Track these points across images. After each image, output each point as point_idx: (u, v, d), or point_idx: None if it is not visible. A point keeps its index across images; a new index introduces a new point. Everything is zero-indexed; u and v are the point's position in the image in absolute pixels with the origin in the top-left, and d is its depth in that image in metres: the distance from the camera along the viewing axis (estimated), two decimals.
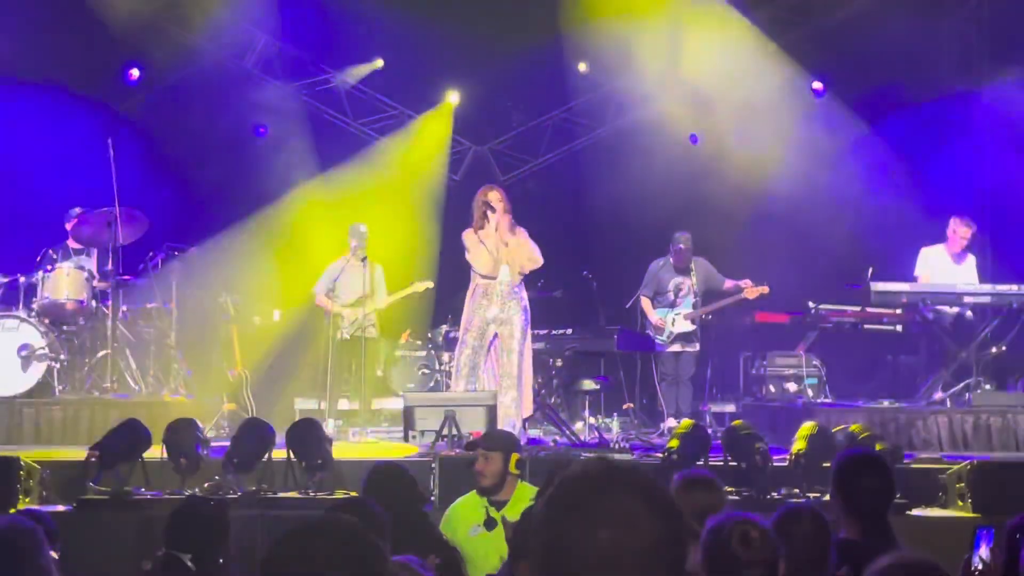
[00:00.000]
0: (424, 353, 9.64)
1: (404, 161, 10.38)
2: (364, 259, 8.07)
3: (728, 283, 8.33)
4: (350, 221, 8.51)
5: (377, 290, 8.41)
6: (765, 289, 8.16)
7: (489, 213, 6.66)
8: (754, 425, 6.13)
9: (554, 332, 7.93)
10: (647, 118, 10.24)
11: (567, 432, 7.21)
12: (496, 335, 6.70)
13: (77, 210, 8.05)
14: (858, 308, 8.40)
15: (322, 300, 8.38)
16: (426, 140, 10.51)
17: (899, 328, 8.30)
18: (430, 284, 8.55)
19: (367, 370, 8.14)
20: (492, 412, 6.28)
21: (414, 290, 8.49)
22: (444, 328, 9.54)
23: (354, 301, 8.30)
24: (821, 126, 9.57)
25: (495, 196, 6.75)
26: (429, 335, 9.85)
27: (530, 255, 6.74)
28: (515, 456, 4.49)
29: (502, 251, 6.67)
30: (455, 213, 9.79)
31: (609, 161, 10.29)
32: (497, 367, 6.70)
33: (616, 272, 9.41)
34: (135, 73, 9.45)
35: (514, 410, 6.63)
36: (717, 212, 9.63)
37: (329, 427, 7.67)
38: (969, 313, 7.79)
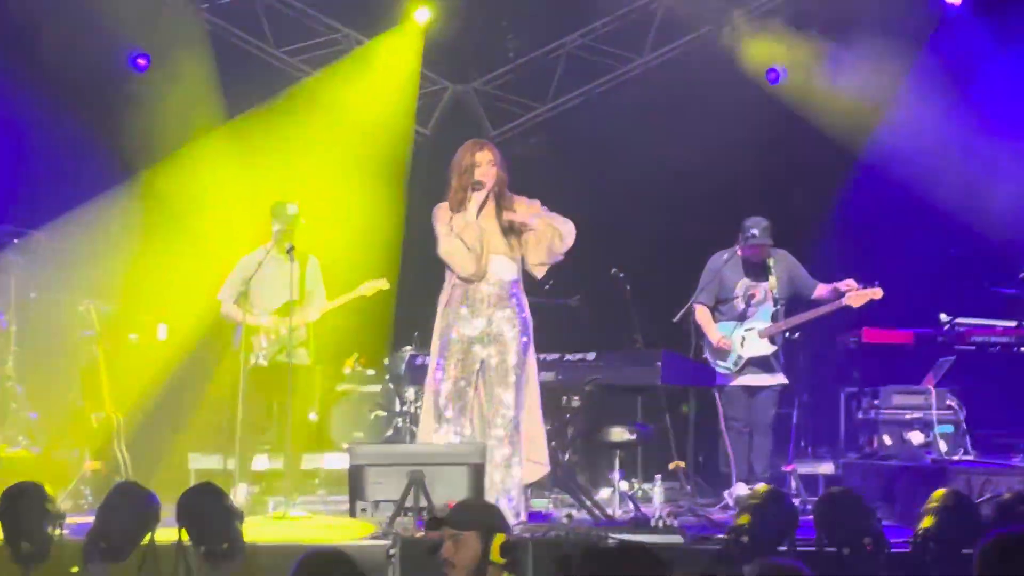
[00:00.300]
0: (379, 387, 9.67)
1: (349, 108, 10.40)
2: (291, 250, 8.01)
3: (822, 287, 8.33)
4: (270, 194, 8.51)
5: (312, 294, 8.35)
6: (877, 292, 8.14)
7: (473, 186, 6.60)
8: (861, 493, 6.12)
9: (569, 357, 7.87)
10: (702, 47, 10.23)
11: (588, 503, 7.15)
12: (483, 361, 6.67)
13: None
14: (1012, 324, 8.38)
15: (230, 309, 8.33)
16: (382, 77, 10.53)
17: None
18: (385, 284, 8.49)
19: (296, 413, 8.10)
20: (479, 474, 6.24)
21: (363, 293, 8.43)
22: (408, 351, 9.49)
23: (278, 310, 8.26)
24: (955, 54, 9.61)
25: (484, 157, 6.66)
26: (386, 361, 9.86)
27: (557, 230, 6.66)
28: (499, 538, 4.42)
29: (491, 239, 6.61)
30: (425, 182, 9.88)
31: (646, 109, 10.32)
32: (486, 408, 6.67)
33: (659, 270, 9.41)
34: None
35: (510, 471, 6.61)
36: (803, 183, 9.66)
37: (240, 496, 7.63)
38: None
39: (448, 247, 6.60)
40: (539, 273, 6.82)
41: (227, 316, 8.37)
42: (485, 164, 6.62)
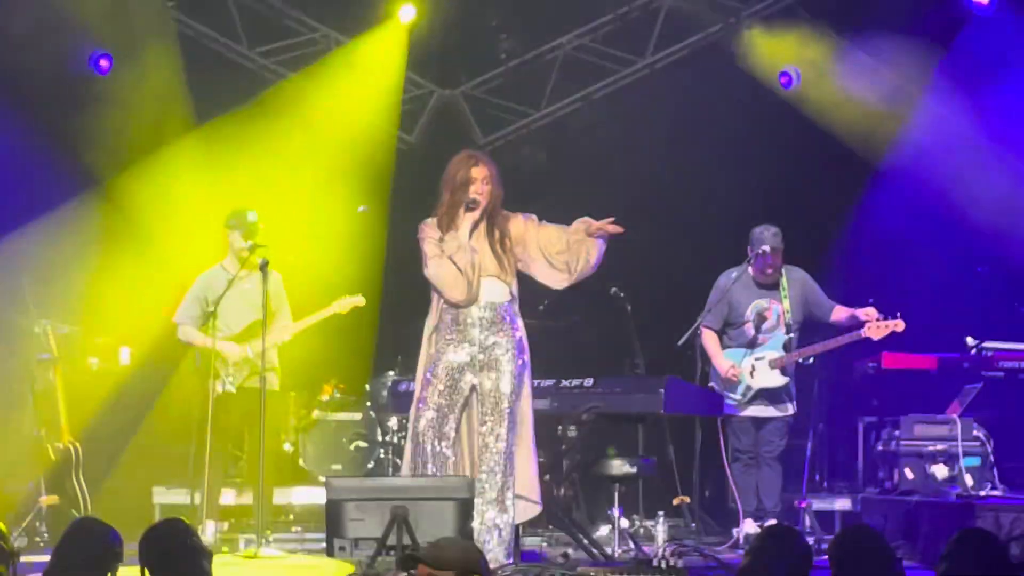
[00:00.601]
0: (359, 416, 9.68)
1: (328, 113, 10.44)
2: (265, 265, 7.98)
3: (840, 311, 8.37)
4: (243, 205, 8.51)
5: (278, 313, 8.37)
6: (899, 325, 8.17)
7: (468, 204, 6.60)
8: (881, 531, 6.14)
9: (565, 384, 7.88)
10: (710, 48, 10.34)
11: (585, 542, 7.19)
12: (474, 389, 6.72)
13: None
14: None
15: (188, 333, 8.37)
16: (363, 80, 10.55)
17: None
18: (361, 301, 8.52)
19: (268, 443, 8.11)
20: (467, 509, 6.25)
21: (337, 311, 8.48)
22: (391, 376, 9.56)
23: (241, 332, 8.30)
24: (983, 56, 9.67)
25: (480, 173, 6.65)
26: (368, 387, 9.90)
27: (557, 240, 6.71)
28: None
29: (482, 261, 6.63)
30: (408, 194, 9.91)
31: (649, 116, 10.40)
32: (476, 439, 6.72)
33: (662, 290, 9.44)
34: None
35: (501, 507, 6.63)
36: (818, 195, 9.69)
37: (208, 533, 7.68)
38: None
39: (437, 270, 6.59)
40: (556, 285, 6.82)
41: (189, 341, 8.38)
42: (480, 181, 6.61)
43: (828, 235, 9.73)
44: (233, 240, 8.31)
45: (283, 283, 8.37)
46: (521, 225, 6.71)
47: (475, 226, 6.65)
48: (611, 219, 6.67)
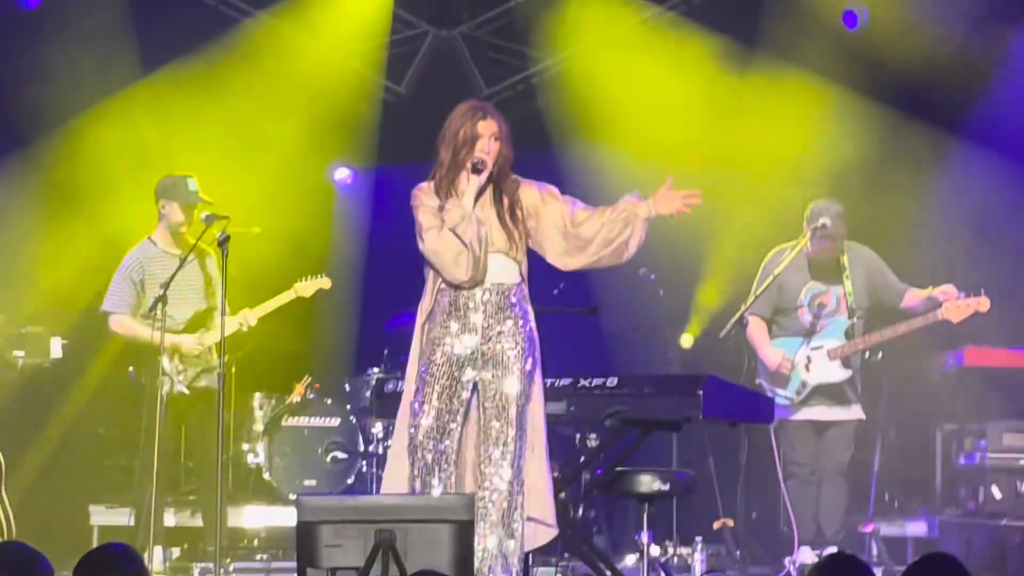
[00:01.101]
0: (336, 421, 9.67)
1: (299, 58, 10.46)
2: (226, 240, 7.98)
3: (913, 295, 8.34)
4: (198, 169, 8.55)
5: (216, 293, 8.40)
6: (983, 303, 8.16)
7: (474, 165, 6.53)
8: (964, 560, 6.08)
9: (584, 383, 7.84)
10: None
11: (607, 574, 7.16)
12: (475, 387, 6.66)
13: None
14: None
15: (126, 324, 8.39)
16: (342, 19, 10.54)
17: None
18: (325, 282, 8.62)
19: (227, 453, 8.10)
20: (466, 534, 6.17)
21: (301, 294, 8.58)
22: (376, 374, 9.54)
23: (191, 321, 8.35)
24: None
25: (488, 128, 6.56)
26: (346, 386, 9.87)
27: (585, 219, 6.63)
28: None
29: (489, 234, 6.58)
30: (397, 153, 9.86)
31: (684, 63, 10.28)
32: (478, 449, 6.66)
33: (700, 271, 9.39)
34: None
35: (509, 530, 6.59)
36: (888, 162, 9.63)
37: (156, 560, 7.68)
38: None
39: (436, 244, 6.52)
40: (567, 267, 6.75)
41: (130, 335, 8.38)
42: (488, 138, 6.54)
43: (899, 210, 9.63)
44: (168, 212, 8.39)
45: (244, 262, 8.32)
46: (536, 195, 6.65)
47: (480, 192, 6.58)
48: (694, 192, 6.60)
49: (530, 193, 6.66)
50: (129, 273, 8.40)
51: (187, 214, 8.34)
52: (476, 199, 6.57)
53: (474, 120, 6.57)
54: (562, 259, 6.70)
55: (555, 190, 6.71)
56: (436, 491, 6.52)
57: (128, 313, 8.34)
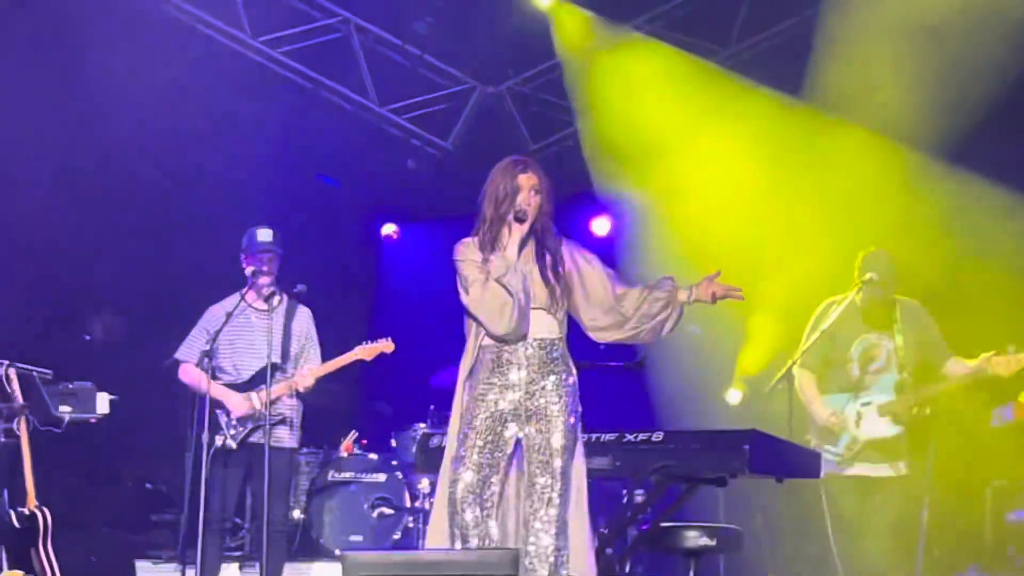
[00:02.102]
0: (383, 477, 9.67)
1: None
2: (302, 292, 8.11)
3: (955, 363, 8.26)
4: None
5: (304, 354, 8.48)
6: None
7: (516, 216, 6.55)
8: None
9: (630, 438, 7.82)
10: (804, 33, 10.20)
11: None
12: (519, 443, 6.66)
13: None
14: None
15: (190, 373, 8.48)
16: None
17: None
18: (390, 346, 8.61)
19: (275, 509, 8.11)
20: None
21: (361, 357, 8.55)
22: (422, 429, 9.54)
23: (255, 377, 8.38)
24: None
25: (528, 181, 6.57)
26: (393, 443, 9.88)
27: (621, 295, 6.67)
28: None
29: (533, 288, 6.59)
30: (444, 208, 9.90)
31: (731, 111, 10.35)
32: (520, 505, 6.65)
33: (745, 322, 9.36)
34: None
35: None
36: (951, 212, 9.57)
37: None
38: None
39: (482, 295, 6.49)
40: (600, 339, 6.77)
41: (190, 383, 8.50)
42: (529, 190, 6.56)
43: (956, 266, 9.51)
44: (247, 265, 8.49)
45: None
46: (580, 260, 6.65)
47: (523, 244, 6.59)
48: (736, 288, 6.64)
49: (574, 256, 6.65)
50: (205, 324, 8.49)
51: (255, 265, 8.42)
52: (519, 252, 6.58)
53: (515, 173, 6.58)
54: (598, 332, 6.69)
55: (597, 259, 6.69)
56: (481, 543, 6.46)
57: (196, 360, 8.40)
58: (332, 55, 10.83)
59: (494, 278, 6.50)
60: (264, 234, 8.47)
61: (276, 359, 8.16)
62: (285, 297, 8.33)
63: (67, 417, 8.84)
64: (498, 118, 11.02)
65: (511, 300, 6.48)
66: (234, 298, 8.48)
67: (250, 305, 8.42)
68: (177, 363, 8.57)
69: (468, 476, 6.53)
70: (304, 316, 8.57)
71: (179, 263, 10.18)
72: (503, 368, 6.58)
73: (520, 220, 6.53)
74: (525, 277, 6.53)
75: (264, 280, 8.40)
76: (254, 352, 8.43)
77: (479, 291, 6.52)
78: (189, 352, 8.51)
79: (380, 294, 10.10)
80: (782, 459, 7.75)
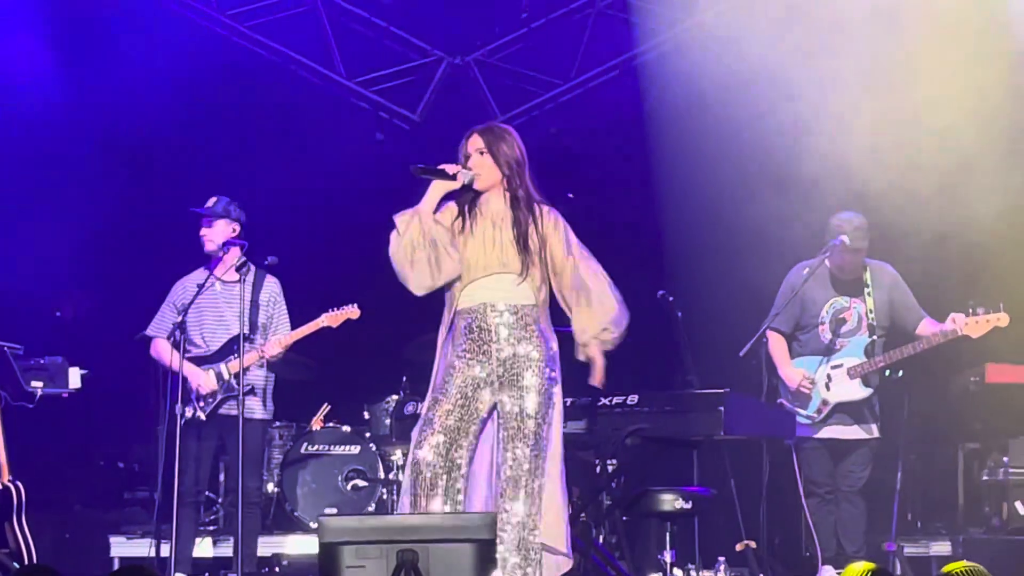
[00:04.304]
0: (356, 449, 9.70)
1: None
2: (270, 264, 8.14)
3: (929, 324, 8.30)
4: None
5: (272, 324, 8.53)
6: (1002, 319, 8.15)
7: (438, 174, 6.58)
8: None
9: (604, 402, 7.87)
10: None
11: None
12: (495, 408, 6.69)
13: None
14: None
15: (158, 348, 8.51)
16: None
17: None
18: (354, 312, 8.63)
19: (249, 482, 8.12)
20: (488, 553, 6.17)
21: (328, 323, 8.58)
22: (394, 400, 9.55)
23: (223, 348, 8.44)
24: None
25: (473, 145, 6.61)
26: (366, 413, 9.90)
27: (601, 317, 6.71)
28: None
29: (504, 253, 6.60)
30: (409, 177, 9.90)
31: (700, 83, 10.29)
32: (497, 471, 6.68)
33: (720, 290, 9.41)
34: None
35: (525, 553, 6.54)
36: (914, 169, 9.60)
37: None
38: None
39: (392, 252, 6.53)
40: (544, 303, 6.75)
41: (158, 359, 8.53)
42: (474, 152, 6.61)
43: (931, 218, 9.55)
44: (206, 235, 8.52)
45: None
46: (553, 236, 6.65)
47: (469, 210, 6.63)
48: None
49: (557, 234, 6.66)
50: (172, 298, 8.54)
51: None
52: (470, 214, 6.62)
53: (464, 141, 6.67)
54: (541, 297, 6.67)
55: (577, 255, 6.68)
56: (436, 509, 6.51)
57: (164, 337, 8.45)
58: (299, 29, 10.81)
59: (399, 228, 6.52)
60: (210, 201, 8.52)
61: (244, 330, 8.17)
62: (253, 268, 8.35)
63: (39, 392, 8.85)
64: (466, 89, 11.00)
65: (421, 257, 6.48)
66: (201, 271, 8.52)
67: (219, 278, 8.45)
68: (148, 339, 8.60)
69: (435, 439, 6.53)
70: (271, 286, 8.59)
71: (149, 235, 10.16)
72: (475, 334, 6.60)
73: (444, 178, 6.54)
74: (493, 240, 6.58)
75: (228, 252, 8.43)
76: (222, 324, 8.49)
77: (392, 246, 6.54)
78: (159, 327, 8.55)
79: (350, 266, 10.03)
80: (756, 420, 7.82)
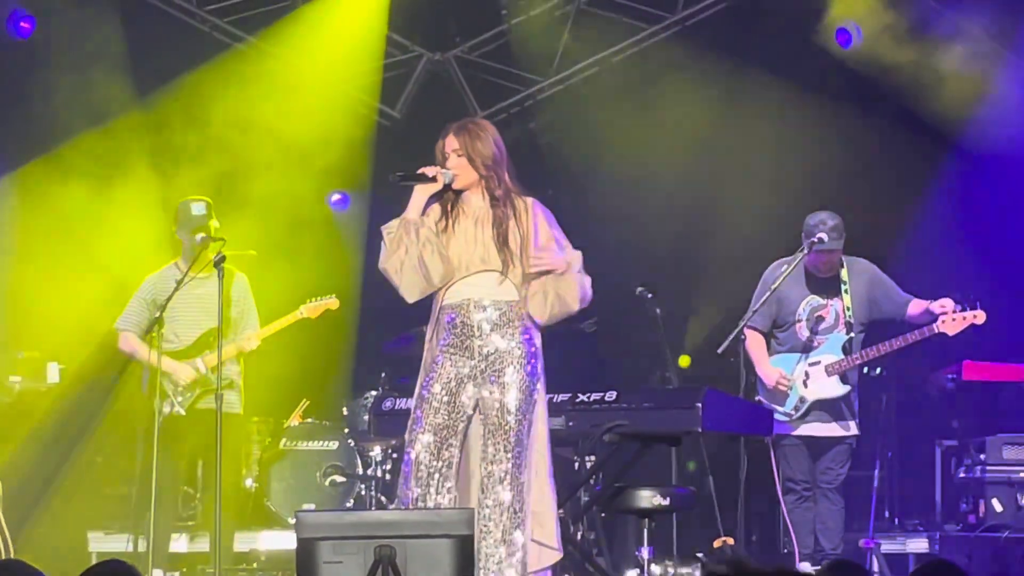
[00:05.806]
0: (335, 445, 9.69)
1: (293, 83, 10.51)
2: (221, 261, 8.10)
3: (917, 305, 8.32)
4: (190, 195, 8.61)
5: (241, 321, 8.54)
6: (979, 316, 8.13)
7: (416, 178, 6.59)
8: (966, 574, 6.11)
9: (583, 398, 7.88)
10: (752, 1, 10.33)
11: None
12: (477, 405, 6.69)
13: None
14: None
15: (131, 342, 8.49)
16: (335, 42, 10.58)
17: None
18: (333, 302, 8.64)
19: (227, 477, 8.11)
20: (466, 548, 6.18)
21: (305, 315, 8.61)
22: (373, 395, 9.55)
23: (197, 343, 8.42)
24: None
25: (448, 146, 6.59)
26: (345, 409, 9.90)
27: (560, 291, 6.67)
28: None
29: (484, 251, 6.62)
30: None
31: (678, 82, 10.36)
32: (478, 467, 6.69)
33: (698, 287, 9.43)
34: None
35: (512, 549, 6.58)
36: (883, 176, 9.66)
37: None
38: None
39: (384, 264, 6.58)
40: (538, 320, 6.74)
41: (131, 354, 8.50)
42: (450, 154, 6.60)
43: (895, 224, 9.65)
44: (183, 237, 8.46)
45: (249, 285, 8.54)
46: (533, 229, 6.65)
47: (451, 209, 6.65)
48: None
49: (529, 214, 6.65)
50: (144, 294, 8.50)
51: (192, 237, 8.38)
52: (451, 212, 6.62)
53: (441, 141, 6.65)
54: (524, 293, 6.65)
55: (538, 207, 6.70)
56: (433, 504, 6.52)
57: (136, 332, 8.43)
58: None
59: (386, 240, 6.56)
60: (198, 207, 8.48)
61: (217, 324, 8.15)
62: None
63: (17, 386, 8.84)
64: (445, 86, 11.01)
65: (413, 265, 6.53)
66: (172, 266, 8.49)
67: (193, 275, 8.43)
68: (117, 332, 8.56)
69: (425, 438, 6.57)
70: (241, 282, 8.58)
71: None
72: (459, 329, 6.62)
73: (425, 182, 6.56)
74: (475, 239, 6.59)
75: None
76: (193, 319, 8.46)
77: (381, 256, 6.59)
78: (128, 321, 8.51)
79: (330, 262, 10.05)
80: (734, 417, 7.84)
